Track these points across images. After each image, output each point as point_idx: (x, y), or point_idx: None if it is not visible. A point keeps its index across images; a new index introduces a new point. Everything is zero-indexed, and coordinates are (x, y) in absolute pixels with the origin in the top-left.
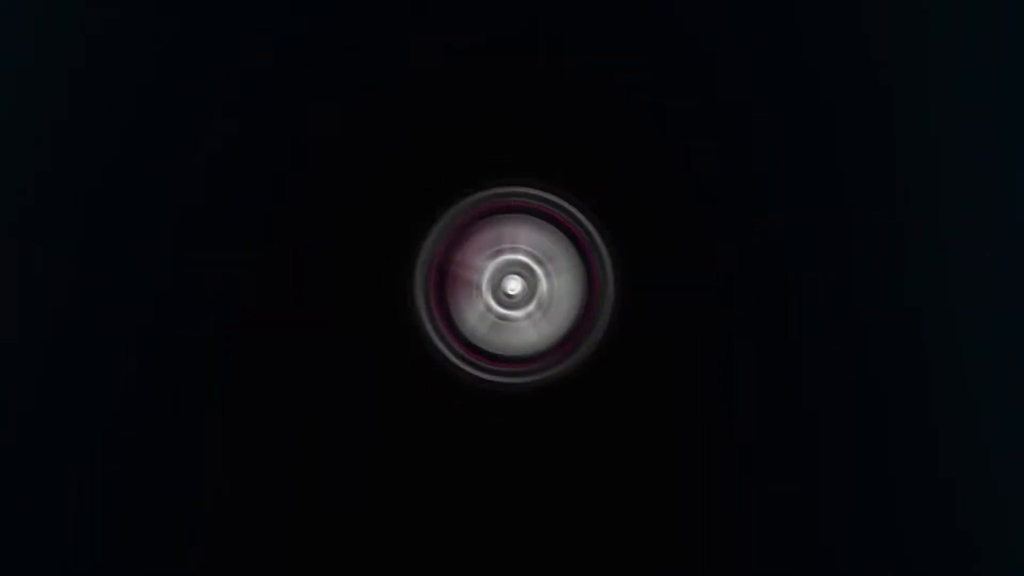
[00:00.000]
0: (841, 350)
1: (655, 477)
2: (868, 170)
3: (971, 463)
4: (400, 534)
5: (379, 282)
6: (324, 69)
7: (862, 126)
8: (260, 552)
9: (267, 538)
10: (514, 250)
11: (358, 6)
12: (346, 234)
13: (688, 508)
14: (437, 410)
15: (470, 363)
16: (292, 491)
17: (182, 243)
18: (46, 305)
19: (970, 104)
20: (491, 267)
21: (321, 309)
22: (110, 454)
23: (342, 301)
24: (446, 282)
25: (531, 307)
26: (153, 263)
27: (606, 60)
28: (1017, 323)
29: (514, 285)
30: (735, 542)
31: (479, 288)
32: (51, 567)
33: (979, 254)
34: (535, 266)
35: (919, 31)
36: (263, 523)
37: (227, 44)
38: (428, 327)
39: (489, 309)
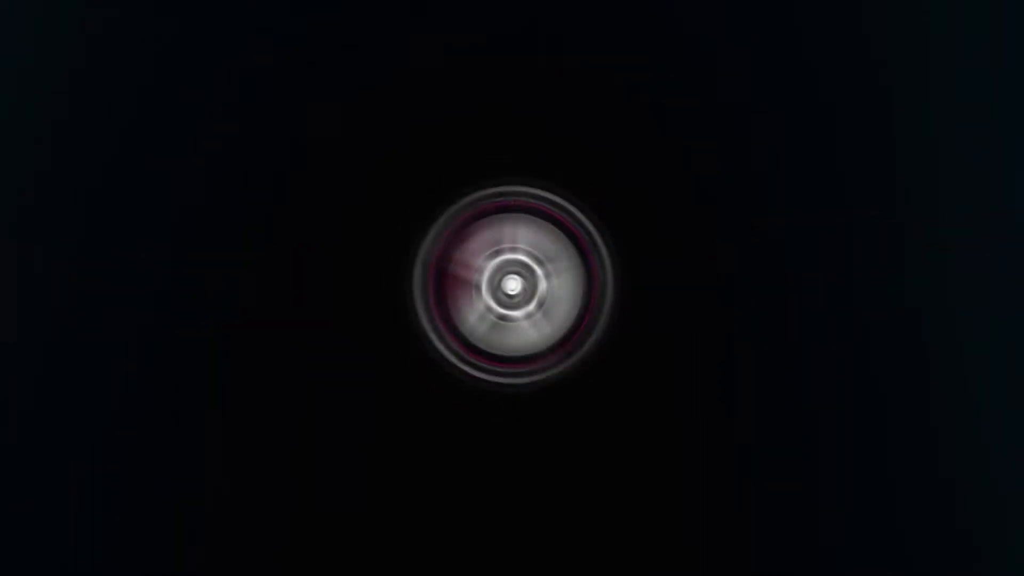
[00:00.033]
0: (841, 350)
1: (655, 477)
2: (868, 170)
3: (971, 463)
4: (400, 534)
5: (379, 282)
6: (324, 69)
7: (862, 126)
8: (260, 552)
9: (267, 538)
10: (514, 250)
11: (358, 6)
12: (346, 234)
13: (688, 508)
14: (437, 410)
15: (470, 363)
16: (292, 491)
17: (182, 243)
18: (46, 305)
19: (970, 104)
20: (491, 267)
21: (321, 309)
22: (110, 454)
23: (342, 301)
24: (446, 282)
25: (531, 307)
26: (153, 263)
27: (606, 60)
28: (1017, 323)
29: (514, 285)
30: (735, 542)
31: (479, 288)
32: (51, 567)
33: (979, 254)
34: (535, 266)
35: (919, 31)
36: (263, 523)
37: (227, 44)
38: (428, 327)
39: (489, 309)
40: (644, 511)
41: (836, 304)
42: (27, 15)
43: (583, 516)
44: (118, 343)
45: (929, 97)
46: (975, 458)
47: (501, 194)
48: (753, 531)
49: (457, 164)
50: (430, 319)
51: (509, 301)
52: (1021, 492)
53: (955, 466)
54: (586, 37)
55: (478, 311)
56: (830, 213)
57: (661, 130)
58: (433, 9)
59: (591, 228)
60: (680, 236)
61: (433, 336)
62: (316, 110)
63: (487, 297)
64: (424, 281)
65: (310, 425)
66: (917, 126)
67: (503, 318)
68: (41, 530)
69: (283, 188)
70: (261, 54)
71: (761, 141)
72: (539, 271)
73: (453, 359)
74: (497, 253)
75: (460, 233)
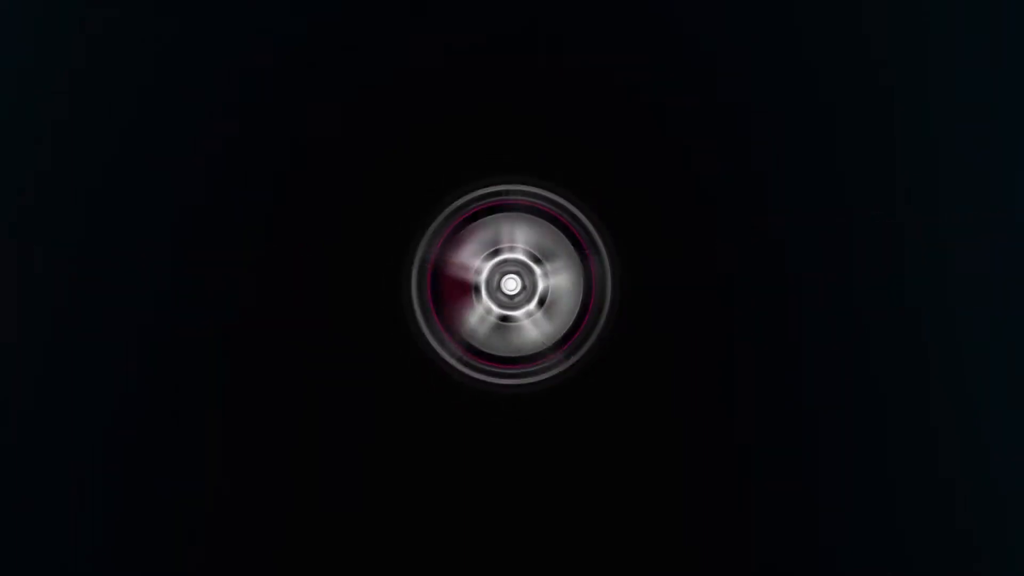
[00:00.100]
0: (841, 350)
1: (655, 477)
2: (868, 170)
3: (971, 463)
4: (400, 535)
5: (378, 282)
6: (324, 69)
7: (862, 126)
8: (260, 552)
9: (267, 538)
10: (513, 250)
11: (358, 6)
12: (346, 234)
13: (688, 508)
14: (436, 410)
15: (469, 363)
16: (292, 491)
17: (182, 243)
18: (46, 305)
19: (970, 104)
20: (490, 267)
21: (320, 309)
22: (110, 454)
23: (341, 301)
24: (445, 282)
25: (530, 307)
26: (153, 263)
27: (606, 60)
28: (1017, 323)
29: (513, 285)
30: (735, 542)
31: (478, 288)
32: (51, 567)
33: (979, 254)
34: (534, 266)
35: (919, 31)
36: (263, 523)
37: (227, 44)
38: (427, 327)
39: (488, 309)
40: (644, 511)
41: (836, 304)
42: (27, 15)
43: (583, 516)
44: (118, 343)
45: (929, 97)
46: (975, 458)
47: (500, 193)
48: (753, 531)
49: (457, 164)
50: (430, 319)
51: (509, 301)
52: (1021, 492)
53: (955, 466)
54: (586, 37)
55: (478, 311)
56: (830, 213)
57: (661, 130)
58: (433, 9)
59: (591, 228)
60: (680, 236)
61: (433, 336)
62: (316, 110)
63: (486, 297)
64: (424, 281)
65: (310, 425)
66: (917, 126)
67: (503, 318)
68: (41, 530)
69: (283, 188)
70: (261, 54)
71: (761, 141)
72: (538, 271)
73: (453, 359)
74: (496, 253)
75: (459, 233)
